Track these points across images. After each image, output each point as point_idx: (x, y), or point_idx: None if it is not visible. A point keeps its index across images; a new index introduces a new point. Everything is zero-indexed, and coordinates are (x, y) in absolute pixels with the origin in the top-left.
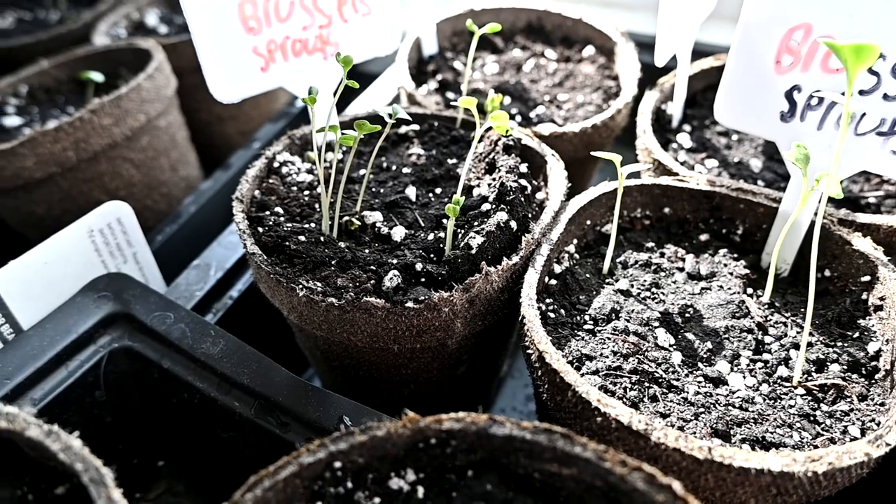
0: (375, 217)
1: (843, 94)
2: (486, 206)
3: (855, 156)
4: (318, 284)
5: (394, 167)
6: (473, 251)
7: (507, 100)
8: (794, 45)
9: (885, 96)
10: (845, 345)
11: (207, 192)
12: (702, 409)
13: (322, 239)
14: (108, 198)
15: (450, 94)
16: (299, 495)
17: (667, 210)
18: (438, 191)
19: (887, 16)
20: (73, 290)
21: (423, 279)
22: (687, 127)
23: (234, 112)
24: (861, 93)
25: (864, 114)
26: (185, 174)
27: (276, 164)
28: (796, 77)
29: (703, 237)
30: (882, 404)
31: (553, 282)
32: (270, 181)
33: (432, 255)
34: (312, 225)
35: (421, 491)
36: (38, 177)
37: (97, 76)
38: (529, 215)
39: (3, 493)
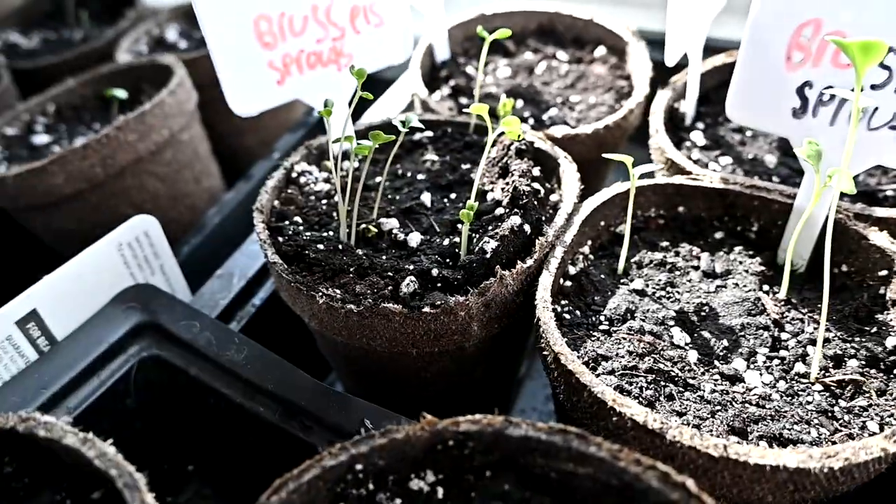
0: (392, 224)
1: (853, 90)
2: (499, 210)
3: (869, 150)
4: (338, 291)
5: (409, 174)
6: (488, 255)
7: (520, 103)
8: (804, 41)
9: None
10: (863, 340)
11: (230, 202)
12: (718, 408)
13: (340, 247)
14: (135, 211)
15: (463, 100)
16: (322, 497)
17: (681, 209)
18: (453, 196)
19: None
20: (103, 302)
21: (439, 284)
22: (700, 125)
23: (254, 124)
24: (873, 87)
25: (876, 108)
26: (207, 185)
27: (294, 175)
28: (807, 73)
29: (718, 235)
30: (885, 393)
31: (568, 283)
32: (289, 191)
33: (448, 260)
34: (331, 233)
35: (441, 491)
36: (67, 193)
37: (121, 93)
38: (543, 218)
39: (44, 498)
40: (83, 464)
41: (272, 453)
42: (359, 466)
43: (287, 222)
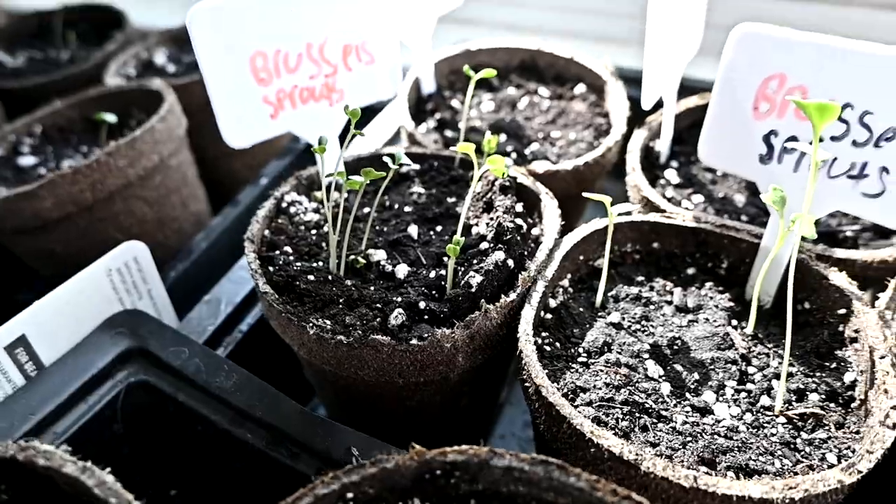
0: (380, 255)
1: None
2: (484, 245)
3: (829, 197)
4: (328, 322)
5: (396, 206)
6: (473, 289)
7: (503, 136)
8: (770, 92)
9: (854, 143)
10: (823, 375)
11: (217, 228)
12: (689, 438)
13: (330, 278)
14: (122, 235)
15: (448, 132)
16: None
17: (656, 245)
18: (439, 229)
19: (853, 69)
20: (91, 327)
21: (426, 316)
22: (674, 163)
23: (241, 149)
24: (833, 138)
25: (835, 158)
26: (194, 210)
27: (284, 204)
28: (773, 123)
29: (690, 271)
30: (857, 432)
31: (549, 316)
32: (279, 221)
33: (434, 293)
34: (320, 263)
35: None
36: (55, 217)
37: (110, 117)
38: (525, 252)
39: None
40: (81, 492)
41: (258, 480)
42: (349, 495)
43: (277, 252)
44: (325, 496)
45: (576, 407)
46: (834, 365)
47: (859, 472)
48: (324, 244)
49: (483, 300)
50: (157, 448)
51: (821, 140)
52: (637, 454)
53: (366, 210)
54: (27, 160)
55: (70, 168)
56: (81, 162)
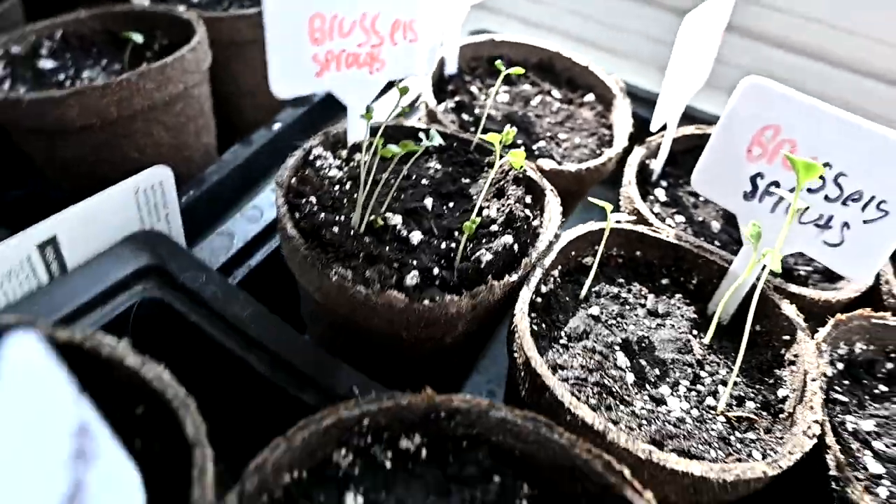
0: (396, 220)
1: (792, 190)
2: (493, 227)
3: (796, 239)
4: (349, 273)
5: (414, 177)
6: (482, 266)
7: (514, 129)
8: (764, 140)
9: (826, 198)
10: (762, 388)
11: (229, 164)
12: (644, 422)
13: (351, 233)
14: (138, 154)
15: (464, 115)
16: (332, 441)
17: (638, 253)
18: (451, 205)
19: (837, 134)
20: (113, 240)
21: (437, 282)
22: (664, 182)
23: (254, 89)
24: (809, 191)
25: (808, 207)
26: (205, 141)
27: (311, 157)
28: (761, 166)
29: (665, 281)
30: (781, 438)
31: (539, 300)
32: (306, 172)
33: (443, 262)
34: (342, 218)
35: (424, 452)
36: (78, 125)
37: (138, 37)
38: (528, 241)
39: (103, 411)
40: (138, 384)
41: (264, 407)
42: (365, 421)
43: (304, 200)
44: (347, 419)
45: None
46: (772, 381)
47: (780, 467)
48: (345, 200)
49: (490, 276)
50: (164, 365)
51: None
52: (605, 426)
53: (383, 175)
54: (46, 63)
55: (101, 82)
56: (112, 78)
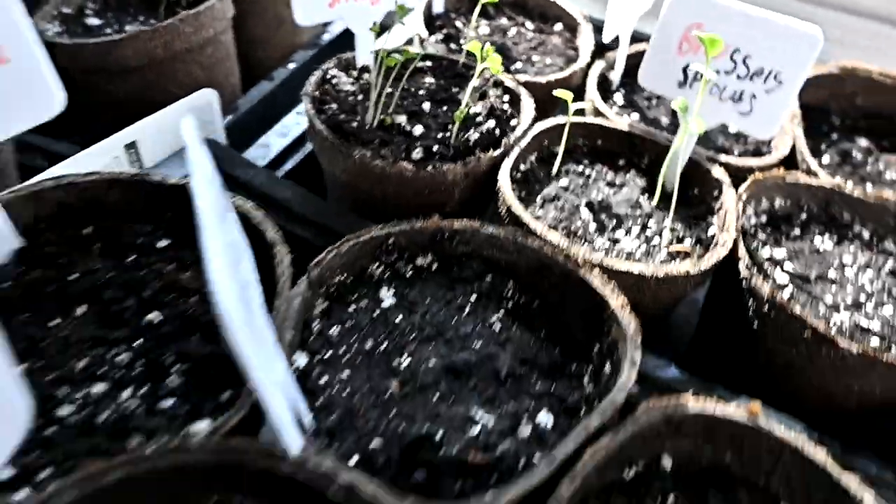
0: (401, 119)
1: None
2: (479, 119)
3: (718, 112)
4: (368, 152)
5: (412, 89)
6: (471, 143)
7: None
8: (691, 37)
9: (738, 77)
10: (697, 230)
11: (256, 95)
12: (603, 253)
13: (367, 127)
14: (180, 90)
15: (451, 46)
16: (367, 255)
17: (599, 142)
18: (444, 108)
19: (744, 25)
20: (178, 146)
21: (437, 157)
22: (622, 90)
23: (270, 40)
24: (725, 72)
25: (725, 86)
26: (233, 82)
27: (328, 76)
28: (689, 58)
29: (621, 161)
30: (701, 258)
31: (518, 175)
32: (325, 87)
33: (441, 144)
34: (359, 118)
35: (435, 266)
36: (132, 65)
37: None
38: (507, 129)
39: None
40: (256, 235)
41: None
42: (391, 241)
43: (325, 107)
44: (377, 237)
45: None
46: (704, 225)
47: (700, 269)
48: (358, 107)
49: (479, 149)
50: None
51: (717, 72)
52: (568, 243)
53: (388, 90)
54: (93, 20)
55: (150, 26)
56: (158, 24)
